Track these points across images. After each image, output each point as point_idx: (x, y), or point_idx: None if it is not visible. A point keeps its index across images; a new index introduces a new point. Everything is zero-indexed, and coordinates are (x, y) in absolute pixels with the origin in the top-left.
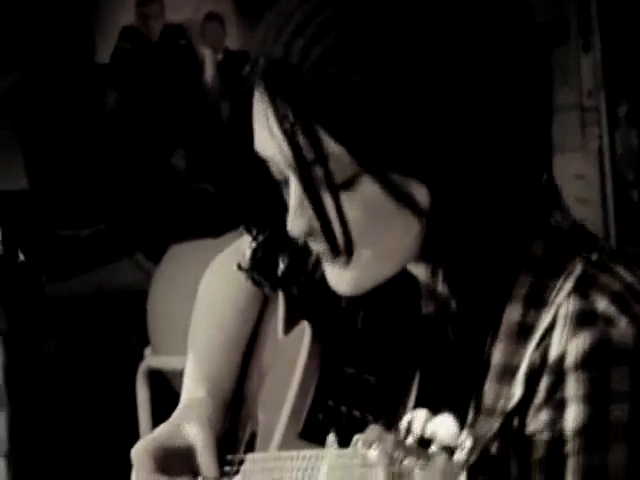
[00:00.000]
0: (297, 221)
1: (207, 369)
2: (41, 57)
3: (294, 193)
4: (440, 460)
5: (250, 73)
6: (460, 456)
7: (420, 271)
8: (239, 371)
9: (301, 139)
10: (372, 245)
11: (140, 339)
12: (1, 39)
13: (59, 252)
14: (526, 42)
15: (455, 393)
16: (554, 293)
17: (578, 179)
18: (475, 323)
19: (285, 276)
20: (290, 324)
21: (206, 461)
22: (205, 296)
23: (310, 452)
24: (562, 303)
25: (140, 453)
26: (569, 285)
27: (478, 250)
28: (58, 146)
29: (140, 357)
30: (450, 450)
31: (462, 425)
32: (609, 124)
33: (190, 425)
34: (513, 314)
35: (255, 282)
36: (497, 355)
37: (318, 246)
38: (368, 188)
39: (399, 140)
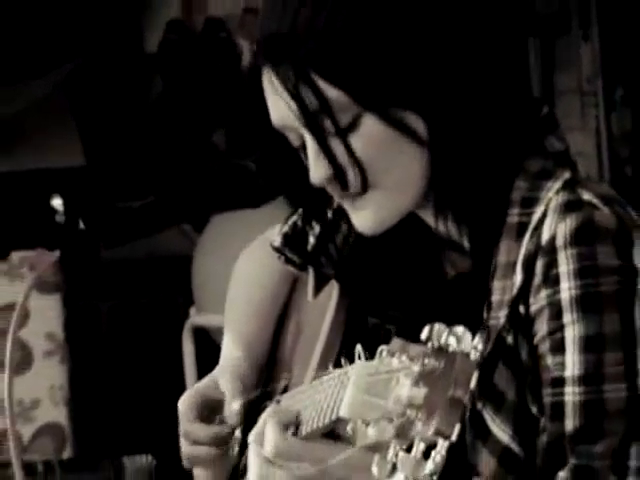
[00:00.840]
0: (316, 171)
1: (244, 335)
2: (96, 48)
3: (310, 146)
4: (458, 359)
5: (254, 53)
6: (474, 356)
7: (430, 218)
8: (272, 338)
9: (304, 92)
10: (384, 180)
11: (185, 300)
12: (61, 32)
13: (115, 221)
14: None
15: (469, 312)
16: (544, 192)
17: (578, 155)
18: (483, 244)
19: (315, 249)
20: (318, 289)
21: (231, 410)
22: (240, 276)
23: (339, 370)
24: (552, 198)
25: (184, 403)
26: (558, 185)
27: (477, 170)
28: (111, 127)
29: (185, 316)
30: (465, 354)
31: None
32: (606, 107)
33: (225, 380)
34: (512, 218)
35: (287, 259)
36: (501, 256)
37: (337, 190)
38: (371, 126)
39: (393, 76)
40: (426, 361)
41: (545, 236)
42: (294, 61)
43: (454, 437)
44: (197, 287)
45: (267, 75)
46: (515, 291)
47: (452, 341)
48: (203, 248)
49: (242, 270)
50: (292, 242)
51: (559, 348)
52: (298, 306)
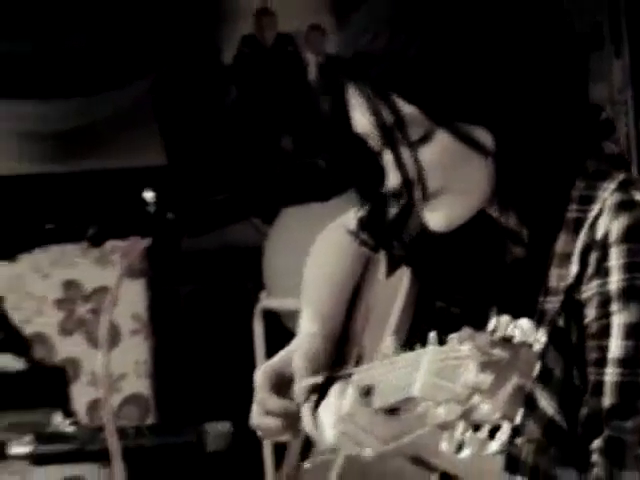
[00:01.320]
0: (392, 178)
1: (319, 312)
2: (177, 59)
3: (386, 156)
4: (523, 350)
5: (337, 69)
6: (537, 348)
7: (494, 212)
8: (345, 315)
9: (381, 108)
10: (454, 186)
11: (255, 285)
12: (146, 45)
13: (200, 213)
14: (561, 21)
15: (523, 295)
16: (601, 192)
17: None
18: (542, 237)
19: (388, 233)
20: (390, 271)
21: (299, 387)
22: (317, 257)
23: (412, 353)
24: (607, 198)
25: (259, 376)
26: (613, 185)
27: (539, 174)
28: (190, 131)
29: (255, 300)
30: (529, 345)
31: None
32: (635, 114)
33: (298, 356)
34: (571, 213)
35: (362, 242)
36: (559, 247)
37: (410, 194)
38: (442, 139)
39: (463, 94)
40: (493, 350)
41: (600, 232)
42: (372, 79)
43: (517, 421)
44: (268, 274)
45: (350, 89)
46: (570, 280)
47: (517, 333)
48: (273, 239)
49: (319, 252)
50: (367, 226)
51: (605, 333)
52: (370, 286)
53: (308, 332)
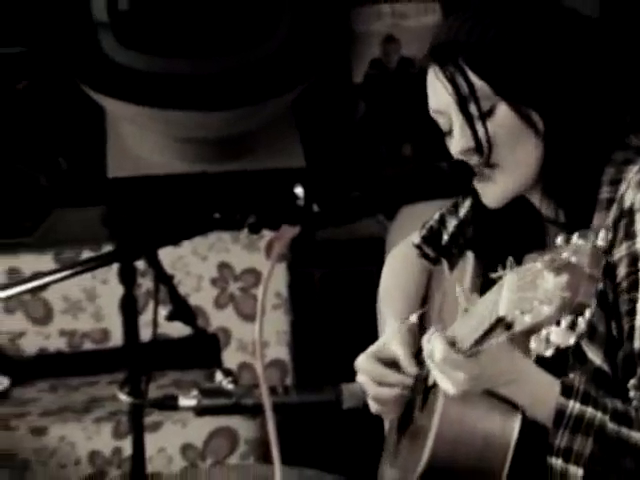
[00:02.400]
0: (459, 143)
1: (398, 311)
2: (318, 77)
3: (457, 124)
4: (588, 249)
5: (430, 54)
6: (600, 246)
7: (535, 199)
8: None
9: (459, 81)
10: (507, 162)
11: (378, 271)
12: (291, 64)
13: (338, 208)
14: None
15: None
16: (628, 174)
17: None
18: (578, 218)
19: (447, 244)
20: (451, 268)
21: (408, 365)
22: (389, 266)
23: (488, 293)
24: (632, 177)
25: (364, 361)
26: (638, 167)
27: (579, 159)
28: (325, 139)
29: (378, 282)
30: (593, 246)
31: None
32: None
33: (393, 344)
34: (603, 195)
35: (425, 255)
36: (595, 223)
37: (472, 160)
38: (503, 114)
39: (526, 78)
40: (562, 256)
41: (627, 203)
42: (454, 60)
43: (593, 306)
44: None
45: (432, 71)
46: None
47: (580, 242)
48: (393, 232)
49: (392, 265)
50: (429, 241)
51: (634, 286)
52: (439, 283)
53: (393, 328)
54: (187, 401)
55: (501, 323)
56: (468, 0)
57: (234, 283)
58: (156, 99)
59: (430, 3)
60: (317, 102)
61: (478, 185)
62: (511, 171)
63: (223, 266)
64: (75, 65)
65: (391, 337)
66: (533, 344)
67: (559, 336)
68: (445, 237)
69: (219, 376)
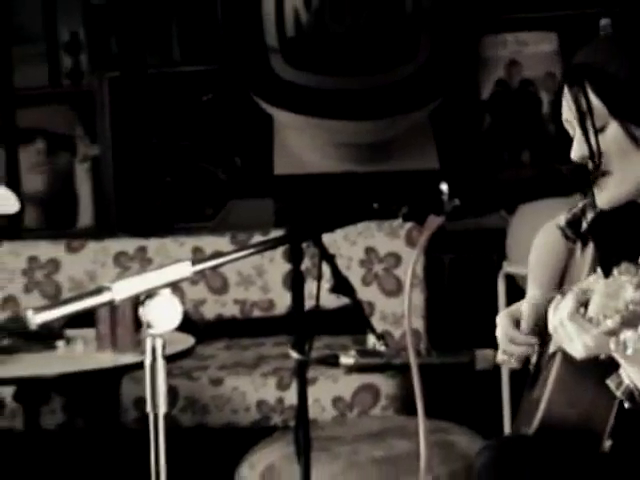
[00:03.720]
0: (577, 150)
1: (539, 280)
2: (451, 94)
3: (576, 135)
4: None
5: (566, 72)
6: None
7: None
8: (557, 284)
9: (581, 99)
10: (617, 173)
11: (499, 256)
12: (431, 85)
13: (474, 203)
14: None
15: None
16: None
17: None
18: None
19: (586, 230)
20: (584, 248)
21: (526, 323)
22: (538, 244)
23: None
24: None
25: (502, 319)
26: None
27: None
28: (457, 145)
29: (499, 267)
30: None
31: None
32: None
33: (524, 308)
34: None
35: (566, 236)
36: None
37: (589, 166)
38: (614, 131)
39: (636, 102)
40: None
41: None
42: (580, 81)
43: None
44: (508, 248)
45: (566, 87)
46: None
47: None
48: (513, 224)
49: (540, 241)
50: (571, 225)
51: None
52: (573, 262)
53: (533, 294)
54: (346, 359)
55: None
56: (584, 32)
57: (378, 264)
58: (316, 110)
59: (547, 33)
60: (450, 115)
61: (594, 188)
62: (620, 180)
63: (369, 250)
64: (250, 81)
65: (527, 300)
66: (612, 345)
67: (632, 340)
68: (584, 224)
69: (372, 339)
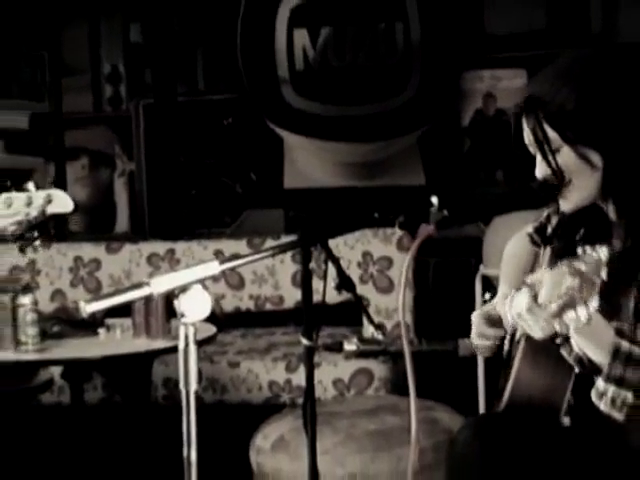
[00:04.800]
0: (540, 170)
1: (508, 282)
2: (436, 122)
3: (538, 157)
4: (595, 262)
5: (522, 104)
6: (603, 259)
7: (604, 206)
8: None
9: (536, 128)
10: (576, 183)
11: (476, 260)
12: (418, 112)
13: (459, 215)
14: None
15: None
16: None
17: None
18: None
19: (551, 235)
20: (544, 253)
21: (505, 323)
22: (509, 249)
23: (537, 276)
24: None
25: (475, 317)
26: None
27: (631, 187)
28: (440, 165)
29: (476, 269)
30: (598, 259)
31: None
32: None
33: (499, 306)
34: None
35: (533, 242)
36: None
37: (554, 181)
38: (567, 152)
39: (586, 129)
40: (578, 266)
41: None
42: (535, 112)
43: (595, 302)
44: (485, 253)
45: (524, 117)
46: None
47: (602, 254)
48: (489, 233)
49: (510, 247)
50: (538, 231)
51: None
52: (538, 263)
53: (503, 294)
54: (349, 346)
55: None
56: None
57: (373, 266)
58: (320, 133)
59: (518, 70)
60: (435, 139)
61: (559, 198)
62: (578, 191)
63: (366, 254)
64: (264, 108)
65: (499, 300)
66: (557, 326)
67: (572, 320)
68: (549, 229)
69: (370, 329)
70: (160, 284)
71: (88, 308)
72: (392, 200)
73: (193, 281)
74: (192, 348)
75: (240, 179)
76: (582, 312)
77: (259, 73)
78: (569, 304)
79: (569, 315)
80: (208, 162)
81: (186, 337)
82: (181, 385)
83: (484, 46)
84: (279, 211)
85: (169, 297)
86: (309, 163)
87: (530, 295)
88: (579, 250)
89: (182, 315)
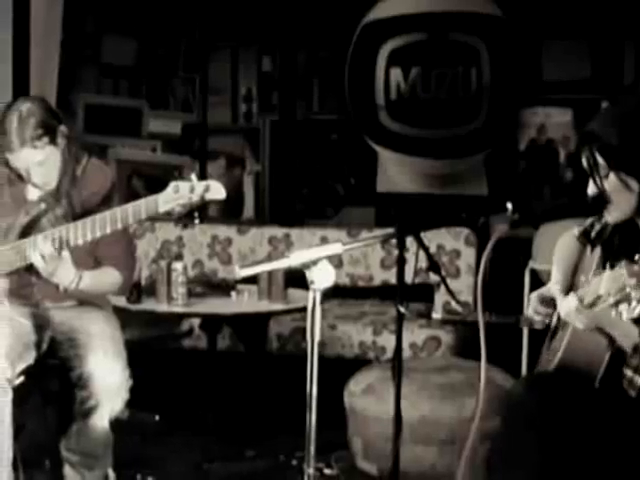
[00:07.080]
0: (591, 189)
1: (560, 271)
2: (499, 145)
3: (590, 181)
4: None
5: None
6: None
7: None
8: (572, 275)
9: (589, 157)
10: (616, 203)
11: (524, 257)
12: (485, 137)
13: (525, 219)
14: None
15: None
16: None
17: None
18: None
19: (595, 238)
20: (592, 251)
21: (556, 302)
22: (559, 246)
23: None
24: None
25: (533, 296)
26: None
27: None
28: (501, 180)
29: (525, 264)
30: None
31: None
32: None
33: (553, 289)
34: None
35: (581, 241)
36: None
37: (599, 200)
38: (613, 177)
39: (626, 160)
40: (635, 267)
41: None
42: (590, 145)
43: None
44: (534, 251)
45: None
46: None
47: None
48: (538, 235)
49: (561, 242)
50: (584, 234)
51: None
52: (585, 257)
53: (556, 280)
54: (436, 315)
55: (601, 298)
56: (590, 110)
57: (445, 256)
58: (408, 150)
59: (565, 109)
60: (497, 160)
61: (604, 211)
62: (618, 207)
63: (439, 246)
64: (364, 127)
65: (552, 285)
66: (612, 313)
67: (625, 311)
68: (593, 234)
69: (453, 303)
70: (297, 257)
71: (242, 272)
72: (460, 206)
73: (322, 257)
74: (318, 308)
75: (342, 182)
76: (636, 306)
77: (361, 100)
78: (624, 298)
79: (622, 307)
80: (317, 167)
81: (314, 299)
82: (308, 335)
83: (540, 89)
84: (371, 209)
85: (289, 271)
86: (397, 172)
87: (577, 299)
88: (636, 256)
89: (312, 282)
